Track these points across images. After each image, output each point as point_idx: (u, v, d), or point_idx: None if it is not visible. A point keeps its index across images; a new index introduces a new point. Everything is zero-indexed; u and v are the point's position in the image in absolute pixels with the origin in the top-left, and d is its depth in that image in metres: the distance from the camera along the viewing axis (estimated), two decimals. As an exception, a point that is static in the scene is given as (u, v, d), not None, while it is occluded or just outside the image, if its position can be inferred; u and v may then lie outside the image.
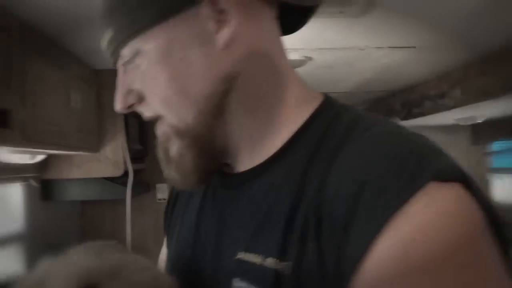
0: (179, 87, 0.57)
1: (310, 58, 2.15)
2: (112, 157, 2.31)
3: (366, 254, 0.44)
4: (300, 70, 2.34)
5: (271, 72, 0.60)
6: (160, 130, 0.62)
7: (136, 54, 0.57)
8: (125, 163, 2.35)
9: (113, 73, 2.36)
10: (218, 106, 0.57)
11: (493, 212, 0.48)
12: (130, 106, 0.61)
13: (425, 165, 0.46)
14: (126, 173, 2.36)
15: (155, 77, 0.57)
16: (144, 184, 2.96)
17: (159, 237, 3.12)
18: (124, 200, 2.59)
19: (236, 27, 0.55)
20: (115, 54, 0.60)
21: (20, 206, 2.11)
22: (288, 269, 0.50)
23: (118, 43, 0.58)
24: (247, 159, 0.62)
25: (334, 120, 0.58)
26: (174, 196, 0.81)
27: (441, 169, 0.46)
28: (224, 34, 0.55)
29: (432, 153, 0.49)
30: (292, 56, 2.09)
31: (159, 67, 0.56)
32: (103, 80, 2.29)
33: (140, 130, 2.76)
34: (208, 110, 0.57)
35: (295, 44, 1.94)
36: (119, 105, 0.61)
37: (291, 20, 0.67)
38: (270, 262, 0.52)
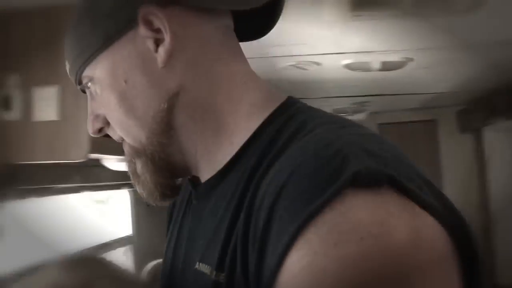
0: (127, 109, 0.58)
1: (410, 59, 2.08)
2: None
3: (279, 268, 0.41)
4: (399, 72, 2.27)
5: (218, 82, 0.59)
6: (125, 149, 0.64)
7: (91, 81, 0.60)
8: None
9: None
10: (166, 124, 0.58)
11: (445, 213, 0.42)
12: (100, 130, 0.64)
13: (345, 169, 0.41)
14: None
15: (108, 102, 0.60)
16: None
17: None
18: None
19: (172, 44, 0.55)
20: (77, 83, 0.63)
21: (128, 211, 2.22)
22: (224, 281, 0.50)
23: (76, 74, 0.62)
24: (207, 171, 0.61)
25: (285, 124, 0.55)
26: (171, 206, 0.83)
27: (360, 173, 0.40)
28: (161, 52, 0.56)
29: (361, 154, 0.43)
30: (391, 58, 2.03)
31: (109, 91, 0.59)
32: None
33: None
34: (157, 129, 0.58)
35: (395, 45, 1.89)
36: (90, 130, 0.64)
37: (262, 22, 0.66)
38: (213, 273, 0.52)
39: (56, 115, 1.42)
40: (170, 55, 0.56)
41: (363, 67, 2.14)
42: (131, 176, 0.65)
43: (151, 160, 0.60)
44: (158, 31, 0.56)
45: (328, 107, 3.57)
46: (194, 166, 0.62)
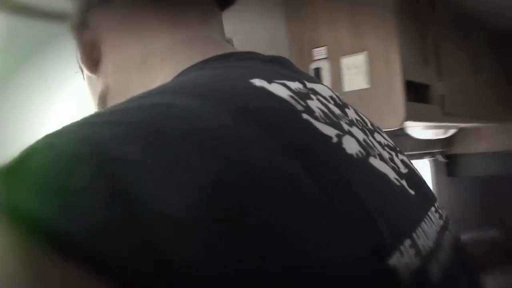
0: None
1: None
2: (523, 128, 2.10)
3: None
4: None
5: (131, 69, 0.52)
6: None
7: None
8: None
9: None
10: None
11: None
12: None
13: None
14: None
15: None
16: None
17: None
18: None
19: (81, 50, 0.53)
20: None
21: (428, 181, 2.13)
22: None
23: None
24: None
25: None
26: None
27: None
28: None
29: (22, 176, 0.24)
30: None
31: None
32: (507, 44, 2.09)
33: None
34: None
35: None
36: None
37: None
38: None
39: (366, 83, 1.40)
40: (88, 61, 0.54)
41: None
42: None
43: None
44: None
45: None
46: None
